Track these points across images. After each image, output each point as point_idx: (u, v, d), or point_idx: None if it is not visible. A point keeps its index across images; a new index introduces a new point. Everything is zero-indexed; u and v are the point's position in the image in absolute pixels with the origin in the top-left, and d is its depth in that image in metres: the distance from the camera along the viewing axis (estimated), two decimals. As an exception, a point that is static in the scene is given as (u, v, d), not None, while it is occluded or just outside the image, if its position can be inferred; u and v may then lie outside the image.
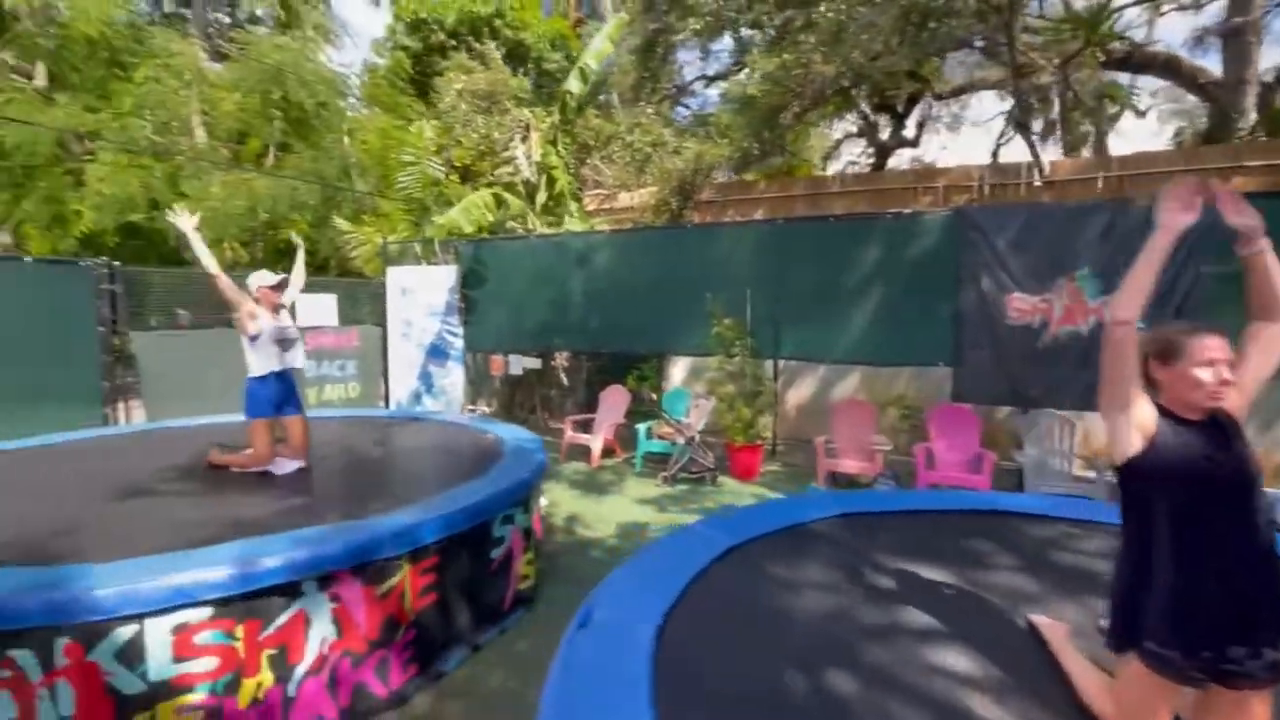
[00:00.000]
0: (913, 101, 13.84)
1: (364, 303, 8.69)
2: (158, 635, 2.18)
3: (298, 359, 3.80)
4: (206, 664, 2.26)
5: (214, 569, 2.25)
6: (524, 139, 8.74)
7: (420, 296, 8.31)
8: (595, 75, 8.87)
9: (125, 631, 2.13)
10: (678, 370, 8.45)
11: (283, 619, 2.40)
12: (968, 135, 29.51)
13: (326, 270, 11.50)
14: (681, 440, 6.06)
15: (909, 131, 14.73)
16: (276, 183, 10.27)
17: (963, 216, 5.53)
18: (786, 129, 11.16)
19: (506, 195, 8.31)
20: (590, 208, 10.90)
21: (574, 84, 8.60)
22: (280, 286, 3.71)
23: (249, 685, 2.34)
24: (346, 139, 11.64)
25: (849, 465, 5.59)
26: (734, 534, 2.71)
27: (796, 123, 11.27)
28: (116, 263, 6.23)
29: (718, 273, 6.54)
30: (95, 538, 2.70)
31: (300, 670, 2.45)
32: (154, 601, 2.15)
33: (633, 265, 7.11)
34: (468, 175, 10.06)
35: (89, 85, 10.03)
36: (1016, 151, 13.82)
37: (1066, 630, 1.92)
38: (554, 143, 8.53)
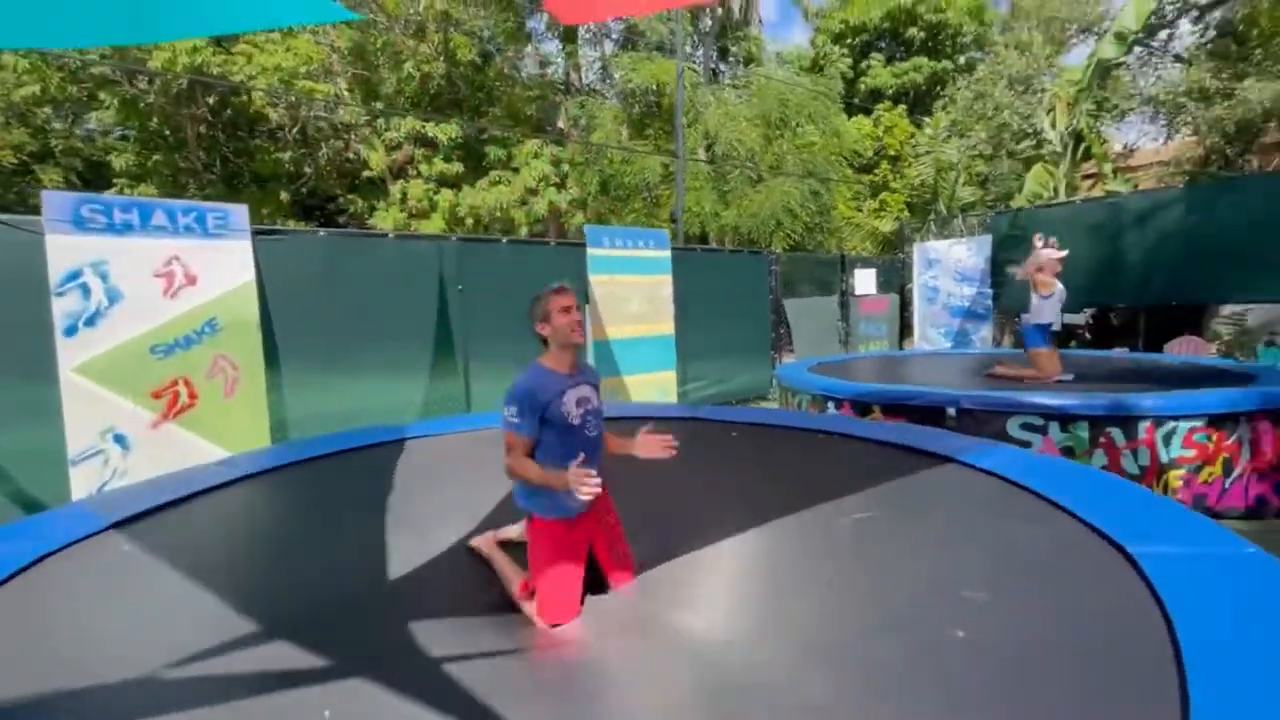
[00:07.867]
0: None
1: (889, 274, 10.50)
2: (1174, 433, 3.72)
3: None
4: (1189, 453, 3.74)
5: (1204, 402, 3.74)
6: (1049, 111, 9.40)
7: (947, 265, 9.71)
8: (1134, 36, 8.99)
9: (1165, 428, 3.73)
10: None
11: (1230, 439, 3.76)
12: None
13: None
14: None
15: None
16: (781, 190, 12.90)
17: None
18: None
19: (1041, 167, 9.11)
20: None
21: (1110, 49, 8.90)
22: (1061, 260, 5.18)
23: (1205, 472, 3.75)
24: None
25: None
26: None
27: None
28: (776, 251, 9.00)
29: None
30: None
31: (1235, 472, 3.78)
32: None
33: (1195, 218, 7.16)
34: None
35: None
36: None
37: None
38: (1093, 109, 8.96)
